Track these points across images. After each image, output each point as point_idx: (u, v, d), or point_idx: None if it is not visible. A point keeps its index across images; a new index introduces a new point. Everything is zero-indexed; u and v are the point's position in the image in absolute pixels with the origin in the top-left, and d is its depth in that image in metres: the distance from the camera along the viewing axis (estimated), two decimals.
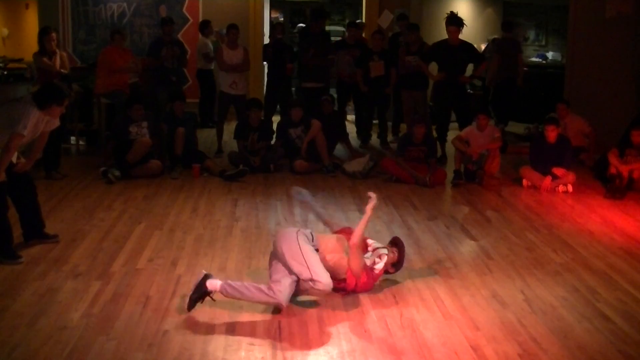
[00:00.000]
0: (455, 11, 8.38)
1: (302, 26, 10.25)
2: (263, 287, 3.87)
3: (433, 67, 8.64)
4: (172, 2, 11.37)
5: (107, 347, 3.48)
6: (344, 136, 8.66)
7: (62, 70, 7.62)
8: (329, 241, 4.16)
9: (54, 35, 7.53)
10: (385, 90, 9.13)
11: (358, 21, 11.30)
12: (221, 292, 3.89)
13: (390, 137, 9.69)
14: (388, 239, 5.33)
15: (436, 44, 8.52)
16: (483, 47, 11.63)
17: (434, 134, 8.52)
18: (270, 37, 9.90)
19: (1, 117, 4.74)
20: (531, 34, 14.42)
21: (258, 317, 3.89)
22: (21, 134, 4.58)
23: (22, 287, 4.24)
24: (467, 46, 8.34)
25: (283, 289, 3.84)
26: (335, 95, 9.50)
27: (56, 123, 5.04)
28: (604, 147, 7.66)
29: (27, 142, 4.82)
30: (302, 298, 4.12)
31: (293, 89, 10.38)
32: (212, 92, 10.42)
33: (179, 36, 10.75)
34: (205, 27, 10.43)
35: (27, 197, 5.00)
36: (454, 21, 8.07)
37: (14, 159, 4.79)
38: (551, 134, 7.12)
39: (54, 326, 3.69)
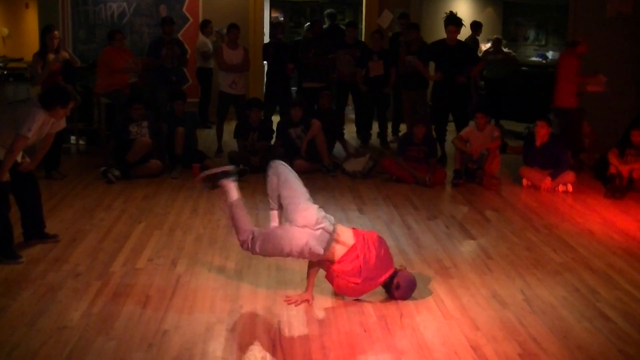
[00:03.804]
0: (455, 11, 8.38)
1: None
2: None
3: (431, 67, 8.63)
4: (172, 2, 11.36)
5: (107, 347, 3.49)
6: (340, 135, 8.66)
7: (65, 57, 7.64)
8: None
9: (56, 33, 7.54)
10: (384, 90, 9.14)
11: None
12: (227, 205, 4.21)
13: (390, 137, 9.69)
14: (388, 239, 5.36)
15: (433, 44, 8.50)
16: (484, 47, 11.65)
17: (433, 134, 8.52)
18: (270, 37, 9.90)
19: (6, 118, 4.75)
20: (531, 34, 14.42)
21: (258, 317, 3.89)
22: (25, 136, 4.58)
23: (22, 287, 4.24)
24: (464, 46, 8.33)
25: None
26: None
27: (62, 124, 5.05)
28: (604, 147, 7.67)
29: (32, 143, 4.83)
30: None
31: (294, 88, 10.39)
32: (209, 92, 10.46)
33: (179, 36, 10.75)
34: (205, 26, 10.45)
35: (31, 196, 5.00)
36: (453, 21, 8.07)
37: (19, 158, 4.80)
38: (541, 130, 7.12)
39: (54, 326, 3.70)
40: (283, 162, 4.31)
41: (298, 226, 3.95)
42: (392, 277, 4.11)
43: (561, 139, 7.35)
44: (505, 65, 11.14)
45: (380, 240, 4.16)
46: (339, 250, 4.01)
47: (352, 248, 4.02)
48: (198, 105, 10.56)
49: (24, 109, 4.72)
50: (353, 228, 4.20)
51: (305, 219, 3.97)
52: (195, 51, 10.50)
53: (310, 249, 3.94)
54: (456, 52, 8.10)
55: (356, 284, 4.00)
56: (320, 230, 3.96)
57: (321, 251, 3.95)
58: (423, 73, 8.52)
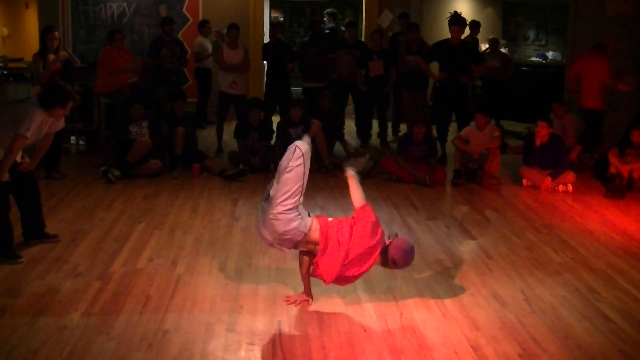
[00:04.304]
0: (457, 11, 8.38)
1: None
2: None
3: (434, 67, 8.64)
4: (172, 2, 11.36)
5: (107, 347, 3.49)
6: (340, 135, 8.66)
7: (64, 56, 7.63)
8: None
9: (56, 34, 7.54)
10: (384, 90, 9.14)
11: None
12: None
13: (390, 137, 9.69)
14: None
15: (437, 44, 8.51)
16: (484, 47, 11.65)
17: (434, 133, 8.53)
18: (270, 36, 9.91)
19: (6, 118, 4.75)
20: (531, 34, 14.42)
21: (258, 317, 3.89)
22: (24, 136, 4.59)
23: (22, 287, 4.24)
24: (468, 46, 8.33)
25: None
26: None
27: (61, 124, 5.05)
28: (604, 147, 7.67)
29: (32, 143, 4.83)
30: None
31: (299, 89, 10.41)
32: (207, 91, 10.46)
33: (179, 36, 10.75)
34: (202, 26, 10.45)
35: (31, 196, 5.01)
36: (458, 21, 8.08)
37: (18, 158, 4.80)
38: (541, 130, 7.12)
39: (54, 326, 3.70)
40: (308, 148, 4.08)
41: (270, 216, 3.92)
42: (384, 254, 3.95)
43: (561, 139, 7.34)
44: (503, 69, 11.12)
45: (352, 231, 3.92)
46: (313, 247, 3.97)
47: (321, 250, 3.91)
48: (197, 105, 10.56)
49: (22, 109, 4.72)
50: (320, 223, 3.98)
51: (277, 224, 3.88)
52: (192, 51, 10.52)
53: (275, 246, 4.02)
54: (460, 52, 8.10)
55: (340, 281, 3.97)
56: (287, 237, 3.90)
57: (287, 252, 4.07)
58: (427, 72, 8.53)
